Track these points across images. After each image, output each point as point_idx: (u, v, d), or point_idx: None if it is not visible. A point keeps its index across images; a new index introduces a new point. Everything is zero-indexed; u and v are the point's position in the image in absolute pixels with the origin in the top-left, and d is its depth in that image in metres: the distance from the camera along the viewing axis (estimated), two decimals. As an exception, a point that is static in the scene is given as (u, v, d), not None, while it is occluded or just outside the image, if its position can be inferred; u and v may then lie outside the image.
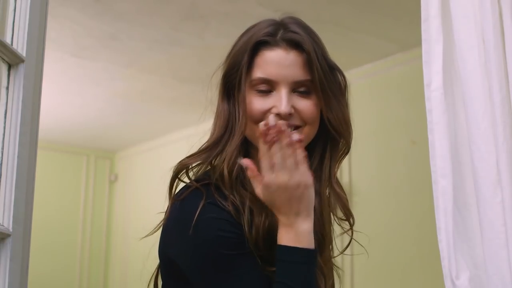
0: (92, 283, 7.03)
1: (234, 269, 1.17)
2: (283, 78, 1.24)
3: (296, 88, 1.26)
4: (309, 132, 1.28)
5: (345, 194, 1.34)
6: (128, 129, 6.42)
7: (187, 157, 1.31)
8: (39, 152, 1.41)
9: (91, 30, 4.02)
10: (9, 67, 1.37)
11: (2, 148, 1.33)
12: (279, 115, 1.23)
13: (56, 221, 6.82)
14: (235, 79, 1.28)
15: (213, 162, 1.30)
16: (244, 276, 1.18)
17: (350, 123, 1.33)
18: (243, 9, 3.65)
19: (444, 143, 1.32)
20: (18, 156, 1.33)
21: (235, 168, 1.24)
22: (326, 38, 1.37)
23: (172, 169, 1.30)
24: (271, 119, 1.14)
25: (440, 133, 1.32)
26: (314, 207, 1.20)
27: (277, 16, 1.34)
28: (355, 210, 1.42)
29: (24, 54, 1.38)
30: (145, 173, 6.86)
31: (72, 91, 5.24)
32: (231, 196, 1.22)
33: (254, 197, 1.21)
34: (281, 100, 1.23)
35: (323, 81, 1.26)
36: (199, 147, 1.31)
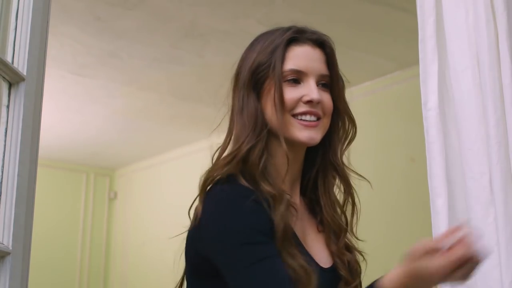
0: (91, 301, 7.00)
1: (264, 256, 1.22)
2: (311, 70, 1.37)
3: (319, 81, 1.39)
4: (326, 124, 1.41)
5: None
6: (128, 146, 6.42)
7: (215, 167, 1.34)
8: (38, 169, 1.42)
9: (91, 48, 4.04)
10: (10, 85, 1.38)
11: (2, 167, 1.33)
12: (310, 102, 1.35)
13: (55, 239, 6.79)
14: (265, 74, 1.38)
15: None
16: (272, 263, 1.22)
17: None
18: (243, 28, 3.66)
19: (440, 163, 1.33)
20: (18, 175, 1.33)
21: (262, 161, 1.32)
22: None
23: (201, 178, 1.34)
24: None
25: (435, 152, 1.33)
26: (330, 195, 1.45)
27: None
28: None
29: (24, 73, 1.39)
30: (145, 191, 6.85)
31: (72, 109, 5.25)
32: (262, 184, 1.29)
33: (275, 195, 1.28)
34: (312, 89, 1.36)
35: (339, 76, 1.44)
36: (223, 151, 1.37)
